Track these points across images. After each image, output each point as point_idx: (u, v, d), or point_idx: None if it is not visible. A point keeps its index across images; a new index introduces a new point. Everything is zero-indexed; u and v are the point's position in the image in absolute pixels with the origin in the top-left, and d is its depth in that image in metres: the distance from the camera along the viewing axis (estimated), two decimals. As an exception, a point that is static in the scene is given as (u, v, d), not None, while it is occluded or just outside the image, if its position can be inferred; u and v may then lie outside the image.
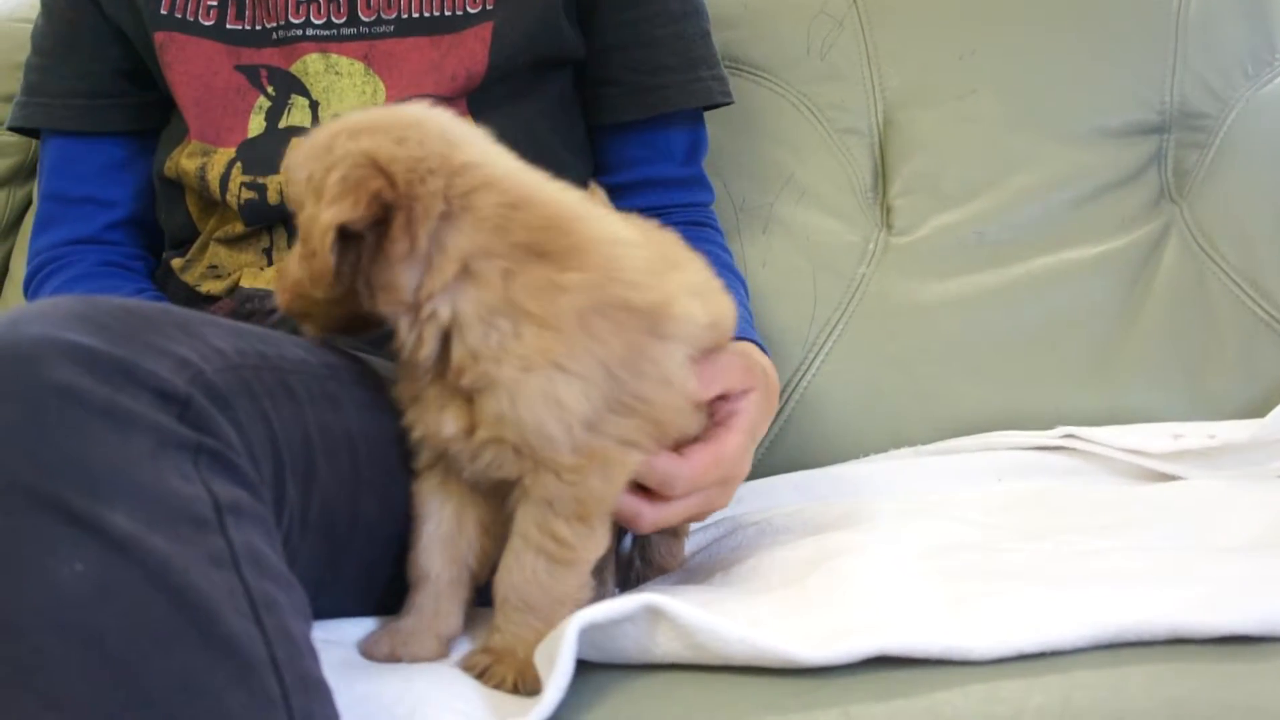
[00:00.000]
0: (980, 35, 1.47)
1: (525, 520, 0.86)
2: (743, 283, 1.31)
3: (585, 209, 0.88)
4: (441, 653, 0.89)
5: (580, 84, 1.32)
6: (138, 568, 0.65)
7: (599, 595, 0.95)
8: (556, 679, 0.77)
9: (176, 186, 1.25)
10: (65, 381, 0.67)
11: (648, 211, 1.31)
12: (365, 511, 0.90)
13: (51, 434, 0.66)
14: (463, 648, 0.92)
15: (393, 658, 0.87)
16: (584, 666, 0.83)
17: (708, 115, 1.36)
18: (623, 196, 1.32)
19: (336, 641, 0.89)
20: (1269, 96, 1.44)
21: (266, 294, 1.18)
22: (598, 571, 1.02)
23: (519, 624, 0.85)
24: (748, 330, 1.20)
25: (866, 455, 1.36)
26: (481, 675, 0.85)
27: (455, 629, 0.90)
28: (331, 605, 0.92)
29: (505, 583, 0.86)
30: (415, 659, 0.87)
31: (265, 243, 1.21)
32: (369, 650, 0.88)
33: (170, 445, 0.69)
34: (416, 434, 0.88)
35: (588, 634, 0.81)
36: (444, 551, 0.90)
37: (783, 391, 1.39)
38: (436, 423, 0.85)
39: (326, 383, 0.88)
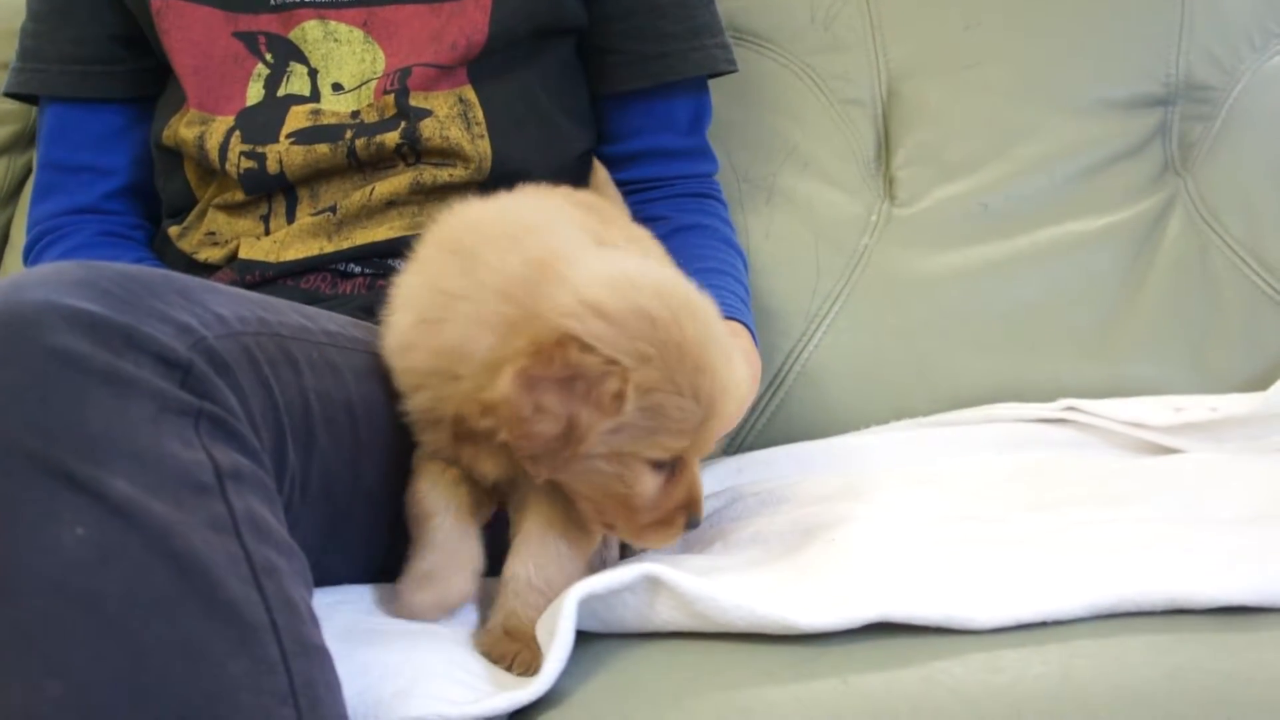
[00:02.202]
0: (985, 6, 1.46)
1: (550, 506, 0.89)
2: (742, 257, 1.30)
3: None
4: (473, 589, 0.91)
5: (582, 53, 1.31)
6: (138, 533, 0.65)
7: (600, 565, 0.96)
8: (557, 650, 0.78)
9: (175, 155, 1.25)
10: (66, 347, 0.67)
11: (651, 182, 1.31)
12: (365, 478, 0.90)
13: (53, 399, 0.66)
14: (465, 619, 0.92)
15: (439, 606, 0.89)
16: (585, 637, 0.83)
17: (712, 84, 1.35)
18: (626, 167, 1.32)
19: (338, 605, 0.89)
20: (1275, 69, 1.43)
21: (266, 266, 1.18)
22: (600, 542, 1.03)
23: (535, 605, 0.87)
24: (741, 311, 1.20)
25: (868, 427, 1.36)
26: (511, 664, 0.85)
27: (480, 564, 0.92)
28: (332, 571, 0.92)
29: (527, 563, 0.88)
30: (456, 601, 0.90)
31: (264, 209, 1.20)
32: (411, 607, 0.89)
33: (171, 411, 0.69)
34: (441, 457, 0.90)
35: (588, 604, 0.81)
36: (460, 517, 0.91)
37: (784, 363, 1.39)
38: (488, 467, 0.88)
39: (326, 350, 0.88)
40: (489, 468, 0.87)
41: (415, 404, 0.88)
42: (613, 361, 0.79)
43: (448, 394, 0.84)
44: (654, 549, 0.94)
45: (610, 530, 0.90)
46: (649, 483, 0.85)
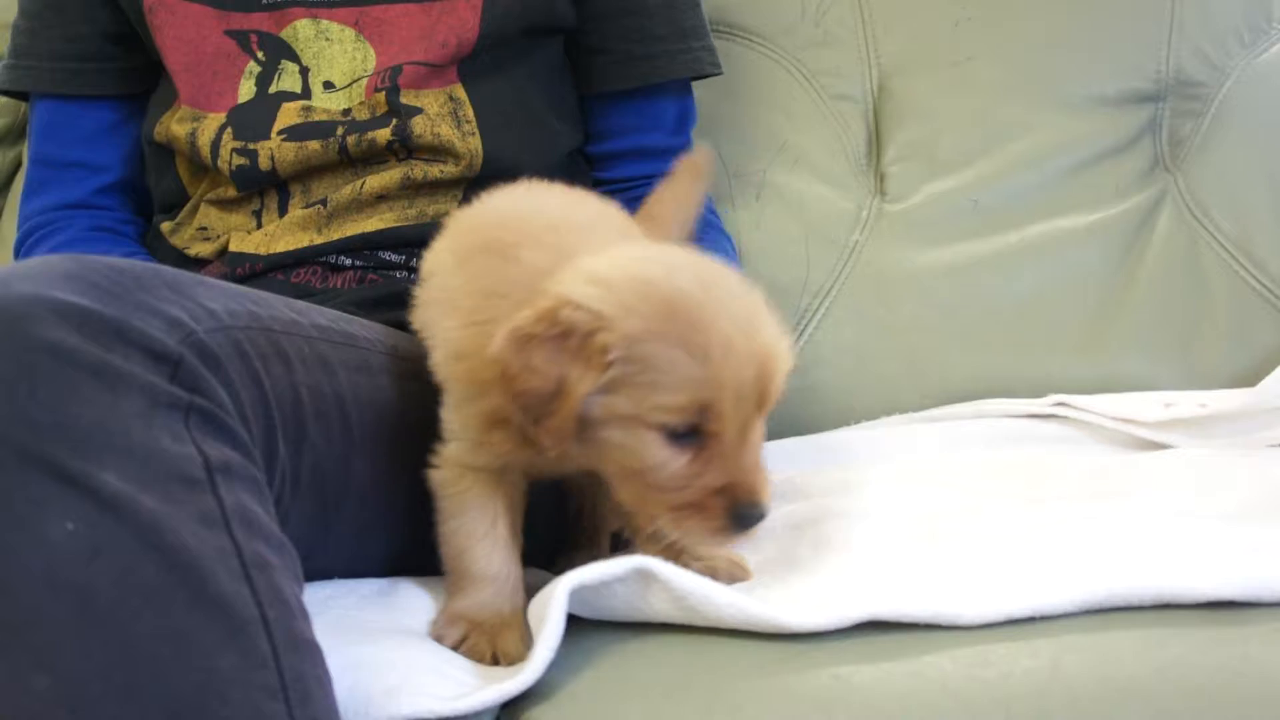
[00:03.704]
0: (975, 2, 1.46)
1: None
2: (730, 242, 1.31)
3: None
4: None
5: (571, 52, 1.31)
6: (128, 527, 0.65)
7: (593, 556, 0.96)
8: (547, 638, 0.78)
9: (166, 151, 1.25)
10: (56, 340, 0.67)
11: (637, 180, 1.31)
12: (356, 473, 0.90)
13: (42, 393, 0.66)
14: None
15: (493, 660, 0.86)
16: (577, 628, 0.83)
17: (700, 83, 1.35)
18: (613, 165, 1.32)
19: (329, 600, 0.89)
20: (1265, 65, 1.43)
21: (256, 258, 1.17)
22: (592, 533, 1.03)
23: None
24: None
25: (858, 422, 1.36)
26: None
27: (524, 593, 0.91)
28: (323, 567, 0.92)
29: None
30: (512, 661, 0.85)
31: (255, 205, 1.21)
32: (463, 650, 0.86)
33: (161, 405, 0.69)
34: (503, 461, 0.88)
35: (579, 593, 0.81)
36: (509, 550, 0.89)
37: (775, 358, 1.39)
38: (555, 464, 0.86)
39: (318, 344, 0.88)
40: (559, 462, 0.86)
41: (478, 410, 0.85)
42: (599, 315, 0.77)
43: None
44: (706, 545, 0.86)
45: (653, 522, 0.84)
46: (659, 453, 0.79)
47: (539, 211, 0.91)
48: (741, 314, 0.79)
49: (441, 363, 0.88)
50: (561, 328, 0.77)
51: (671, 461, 0.79)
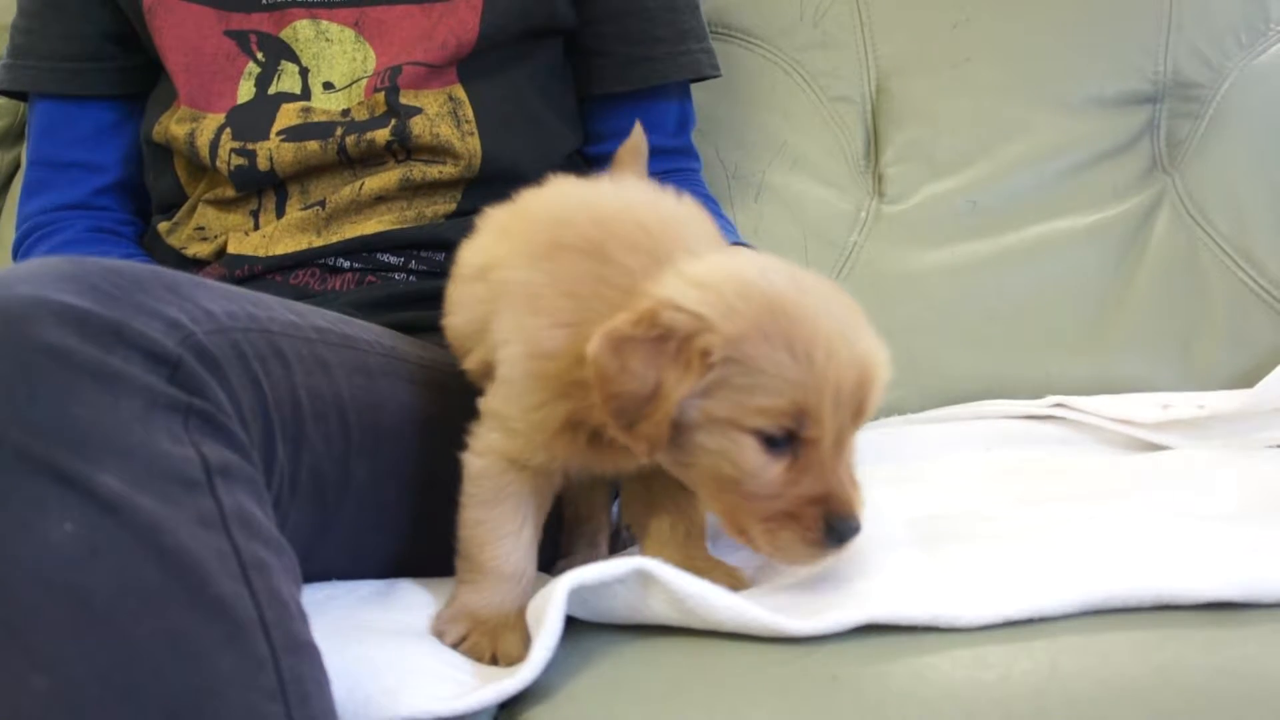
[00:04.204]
0: (974, 4, 1.47)
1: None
2: (735, 233, 1.31)
3: None
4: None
5: (571, 54, 1.31)
6: (127, 528, 0.65)
7: (592, 558, 0.96)
8: (545, 638, 0.78)
9: (165, 151, 1.25)
10: (55, 342, 0.67)
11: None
12: (355, 475, 0.90)
13: (41, 394, 0.66)
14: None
15: (492, 660, 0.85)
16: (576, 629, 0.83)
17: (699, 84, 1.36)
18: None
19: (327, 602, 0.89)
20: (1263, 66, 1.43)
21: (255, 261, 1.18)
22: (591, 536, 1.03)
23: None
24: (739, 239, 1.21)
25: (857, 424, 1.36)
26: None
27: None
28: (321, 568, 0.92)
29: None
30: (511, 662, 0.84)
31: (253, 205, 1.21)
32: (463, 649, 0.86)
33: (160, 407, 0.69)
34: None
35: (578, 594, 0.81)
36: (530, 550, 0.89)
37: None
38: (619, 463, 0.86)
39: (316, 346, 0.88)
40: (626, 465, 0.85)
41: (555, 412, 0.83)
42: (700, 318, 0.75)
43: (593, 401, 0.80)
44: (799, 561, 0.81)
45: (743, 537, 0.81)
46: (755, 459, 0.77)
47: (626, 209, 0.87)
48: (843, 319, 0.78)
49: (518, 360, 0.84)
50: (661, 330, 0.76)
51: (767, 469, 0.78)
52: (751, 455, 0.78)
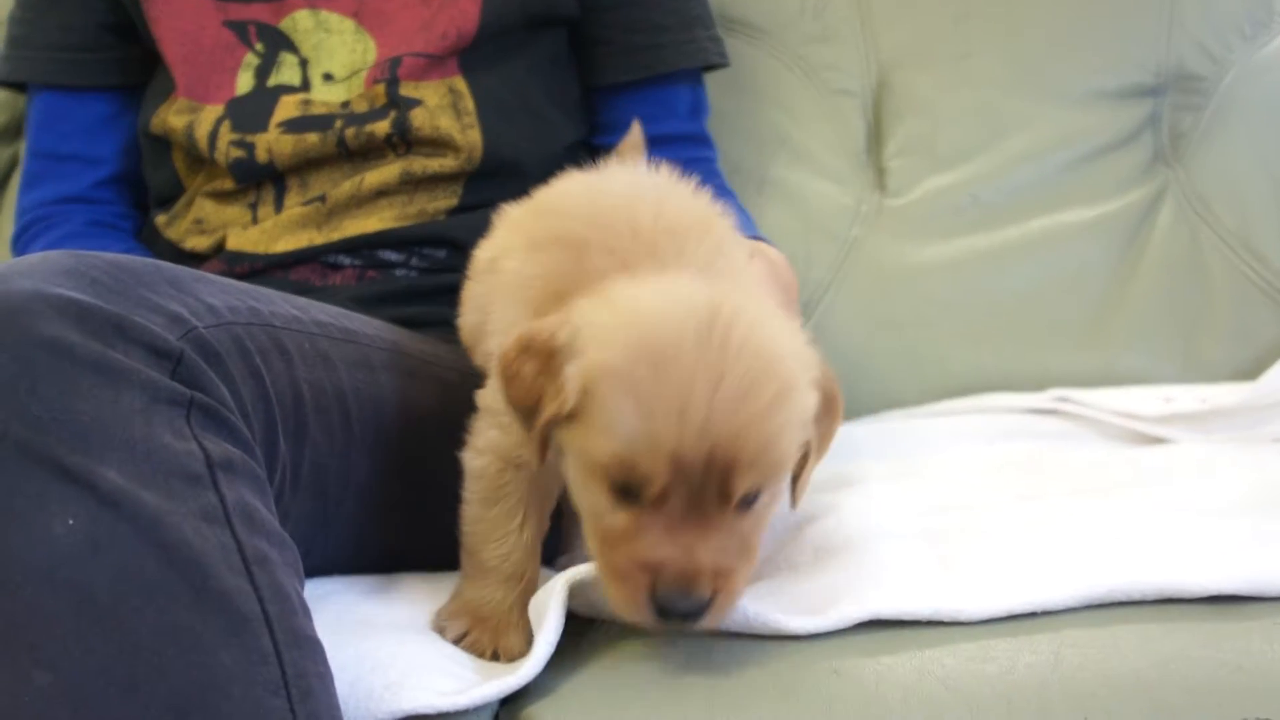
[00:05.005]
0: (976, -3, 1.47)
1: None
2: (750, 220, 1.31)
3: None
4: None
5: (575, 44, 1.31)
6: (129, 523, 0.65)
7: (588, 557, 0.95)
8: (546, 635, 0.78)
9: (163, 143, 1.24)
10: (56, 336, 0.67)
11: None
12: (357, 468, 0.90)
13: (42, 389, 0.66)
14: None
15: (494, 656, 0.84)
16: (577, 625, 0.83)
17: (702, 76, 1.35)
18: (629, 156, 1.31)
19: (329, 596, 0.89)
20: (1266, 59, 1.43)
21: (256, 258, 1.17)
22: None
23: None
24: (755, 231, 1.21)
25: (858, 417, 1.36)
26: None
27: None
28: (323, 562, 0.92)
29: None
30: (512, 658, 0.84)
31: (252, 198, 1.20)
32: (464, 645, 0.86)
33: (162, 401, 0.69)
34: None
35: (580, 590, 0.81)
36: (532, 547, 0.88)
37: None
38: None
39: (318, 340, 0.88)
40: None
41: None
42: (577, 343, 0.73)
43: None
44: (619, 612, 0.75)
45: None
46: (600, 502, 0.74)
47: (627, 207, 0.83)
48: (726, 386, 0.70)
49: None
50: (550, 346, 0.75)
51: (610, 515, 0.74)
52: (597, 496, 0.74)
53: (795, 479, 0.79)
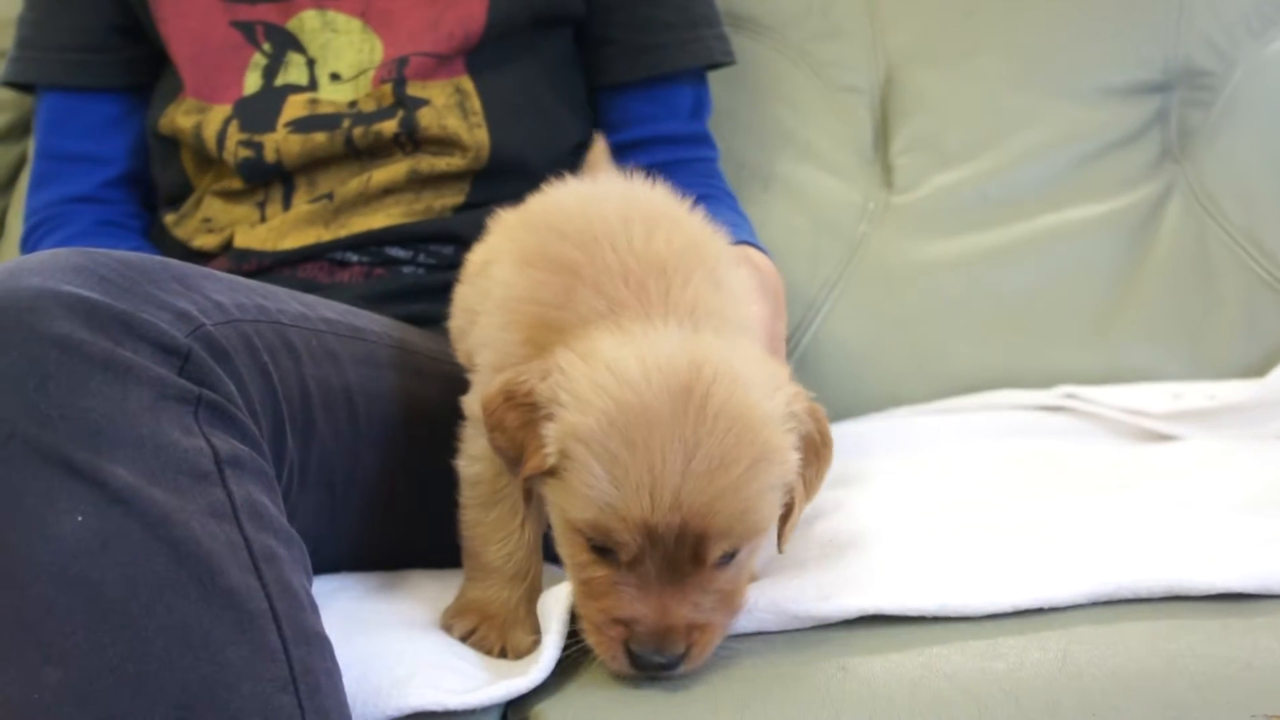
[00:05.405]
0: (983, -7, 1.46)
1: None
2: (750, 226, 1.31)
3: None
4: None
5: (581, 44, 1.31)
6: (138, 520, 0.65)
7: None
8: (554, 635, 0.78)
9: (171, 143, 1.25)
10: (65, 333, 0.67)
11: (656, 168, 1.31)
12: (364, 466, 0.90)
13: (51, 386, 0.66)
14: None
15: (501, 653, 0.85)
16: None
17: (708, 72, 1.35)
18: (631, 154, 1.31)
19: (337, 593, 0.89)
20: (1275, 55, 1.42)
21: (264, 255, 1.18)
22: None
23: None
24: (749, 235, 1.21)
25: (865, 414, 1.36)
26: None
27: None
28: (331, 559, 0.92)
29: None
30: (520, 655, 0.85)
31: (260, 197, 1.20)
32: (471, 642, 0.86)
33: (170, 398, 0.69)
34: None
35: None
36: (534, 546, 0.88)
37: (782, 351, 1.39)
38: None
39: (325, 338, 0.88)
40: None
41: None
42: (556, 401, 0.74)
43: None
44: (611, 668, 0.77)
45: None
46: (581, 556, 0.75)
47: (623, 234, 0.82)
48: (700, 458, 0.71)
49: (488, 369, 0.84)
50: (532, 400, 0.75)
51: (589, 569, 0.75)
52: (577, 551, 0.76)
53: (783, 520, 0.78)
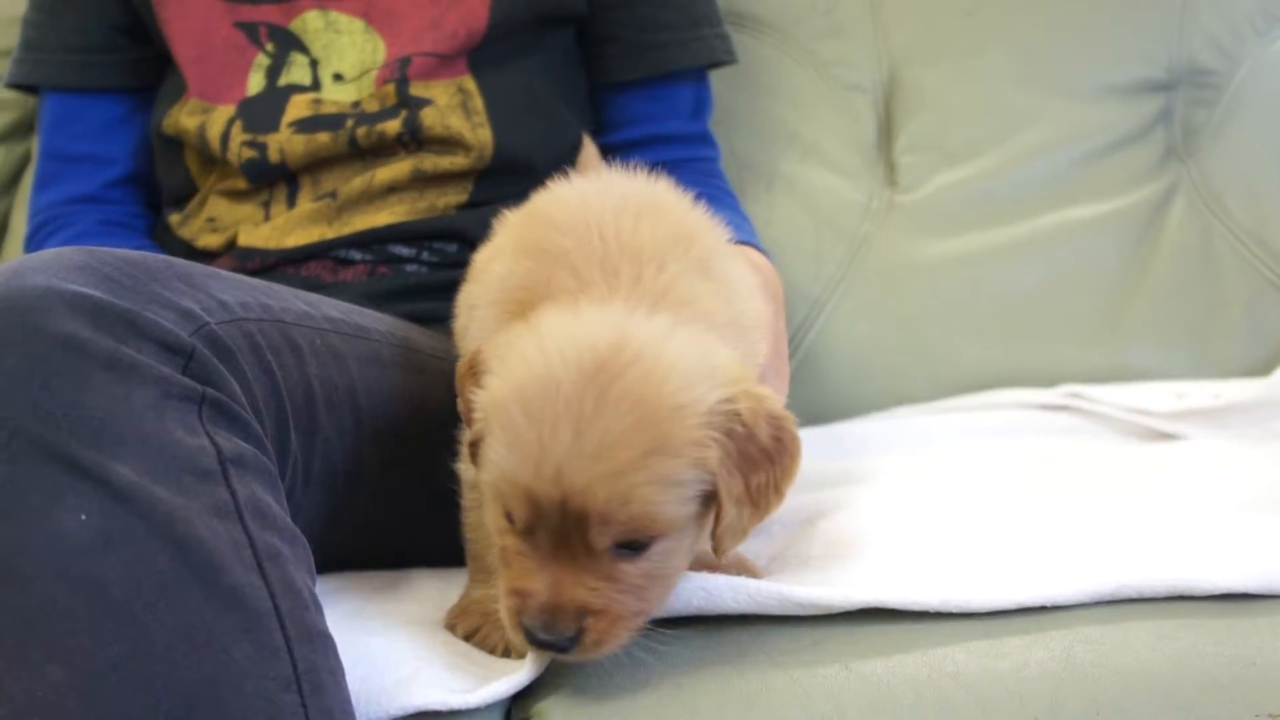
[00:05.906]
0: (987, -9, 1.46)
1: None
2: (750, 225, 1.31)
3: None
4: None
5: (582, 42, 1.31)
6: (141, 518, 0.65)
7: None
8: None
9: (175, 143, 1.25)
10: (69, 332, 0.67)
11: (657, 167, 1.31)
12: (368, 465, 0.90)
13: (55, 384, 0.66)
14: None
15: (504, 653, 0.84)
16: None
17: (711, 71, 1.35)
18: (632, 153, 1.31)
19: (341, 591, 0.89)
20: (1278, 54, 1.42)
21: (267, 253, 1.18)
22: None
23: None
24: (749, 235, 1.21)
25: (869, 413, 1.36)
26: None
27: None
28: (334, 558, 0.92)
29: None
30: (523, 655, 0.83)
31: (265, 196, 1.21)
32: (474, 642, 0.85)
33: (174, 397, 0.69)
34: None
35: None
36: None
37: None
38: None
39: (329, 336, 0.88)
40: None
41: None
42: (487, 371, 0.74)
43: None
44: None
45: None
46: (498, 523, 0.75)
47: (613, 222, 0.82)
48: (588, 438, 0.70)
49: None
50: (479, 372, 0.76)
51: (504, 536, 0.75)
52: (496, 518, 0.75)
53: (717, 522, 0.76)
